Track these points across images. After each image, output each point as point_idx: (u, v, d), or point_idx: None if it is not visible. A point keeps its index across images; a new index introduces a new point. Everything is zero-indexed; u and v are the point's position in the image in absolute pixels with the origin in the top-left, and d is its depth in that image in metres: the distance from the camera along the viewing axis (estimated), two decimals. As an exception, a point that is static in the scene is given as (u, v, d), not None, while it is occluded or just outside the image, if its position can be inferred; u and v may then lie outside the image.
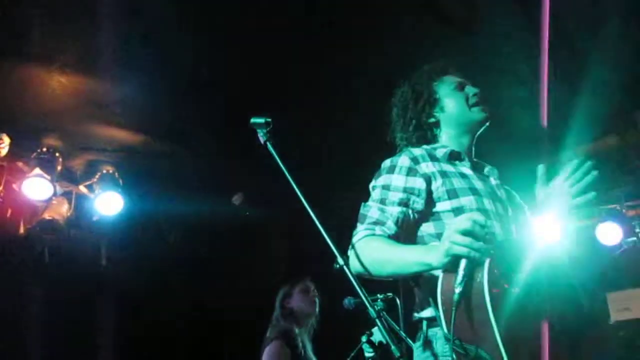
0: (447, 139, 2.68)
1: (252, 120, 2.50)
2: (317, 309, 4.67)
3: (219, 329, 6.46)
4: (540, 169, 2.48)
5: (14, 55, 4.67)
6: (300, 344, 4.40)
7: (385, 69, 4.56)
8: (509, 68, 4.99)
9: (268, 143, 2.46)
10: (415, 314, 2.42)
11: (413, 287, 2.45)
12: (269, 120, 2.49)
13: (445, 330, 2.01)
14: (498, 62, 4.86)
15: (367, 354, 3.31)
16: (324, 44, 4.71)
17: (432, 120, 2.69)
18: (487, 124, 2.69)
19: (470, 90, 2.69)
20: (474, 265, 1.96)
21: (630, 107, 5.67)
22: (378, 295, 3.44)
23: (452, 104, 2.67)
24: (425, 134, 2.70)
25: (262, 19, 4.46)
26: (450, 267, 2.02)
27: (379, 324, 2.02)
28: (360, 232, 2.36)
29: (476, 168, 2.64)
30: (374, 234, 2.33)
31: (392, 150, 2.67)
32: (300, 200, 2.29)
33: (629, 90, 5.34)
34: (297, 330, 4.50)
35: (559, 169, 2.44)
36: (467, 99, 2.67)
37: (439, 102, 2.69)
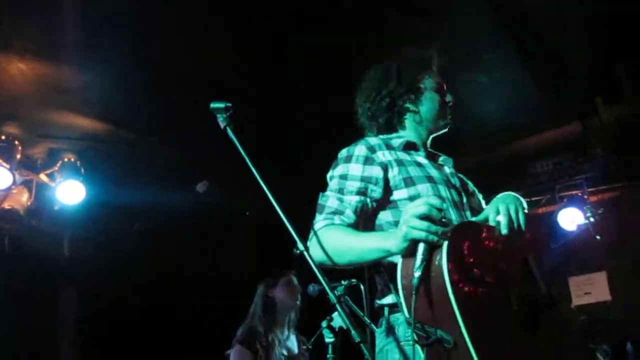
0: (409, 129, 2.70)
1: (212, 105, 2.48)
2: (298, 302, 4.70)
3: (184, 320, 6.41)
4: None
5: (-29, 41, 4.56)
6: (263, 345, 4.42)
7: (351, 56, 4.59)
8: (471, 53, 5.03)
9: (228, 128, 2.43)
10: (377, 301, 2.43)
11: (375, 274, 2.46)
12: (229, 105, 2.46)
13: (407, 315, 2.01)
14: (461, 47, 4.88)
15: (327, 339, 3.31)
16: (289, 36, 4.70)
17: (408, 106, 2.70)
18: (445, 130, 2.77)
19: (447, 97, 2.74)
20: (432, 249, 1.97)
21: (591, 94, 5.75)
22: (342, 281, 3.45)
23: (428, 101, 2.70)
24: (393, 116, 2.71)
25: (230, 6, 4.42)
26: (409, 252, 2.02)
27: (339, 308, 2.02)
28: (319, 222, 2.36)
29: (431, 157, 2.68)
30: (333, 224, 2.33)
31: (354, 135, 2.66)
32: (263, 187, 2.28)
33: (590, 77, 5.42)
34: (261, 330, 4.51)
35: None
36: (440, 104, 2.71)
37: (422, 93, 2.71)
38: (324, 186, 2.51)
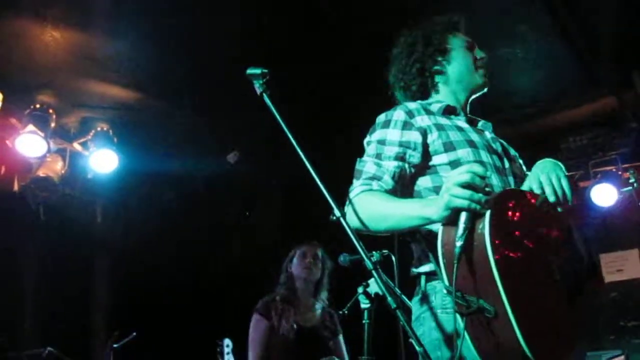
0: (445, 93, 2.65)
1: (248, 71, 2.47)
2: (312, 275, 4.73)
3: (215, 288, 6.48)
4: None
5: (5, 10, 4.59)
6: (277, 314, 4.52)
7: (382, 23, 4.52)
8: (506, 26, 4.95)
9: (264, 94, 2.43)
10: (414, 269, 2.40)
11: (410, 243, 2.44)
12: (266, 71, 2.45)
13: (447, 283, 1.98)
14: (496, 19, 4.80)
15: (362, 305, 3.32)
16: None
17: (437, 68, 2.64)
18: (485, 90, 2.70)
19: (478, 53, 2.68)
20: (474, 217, 1.94)
21: (628, 68, 5.62)
22: (373, 252, 3.45)
23: (460, 59, 2.65)
24: (426, 81, 2.66)
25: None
26: (451, 220, 1.98)
27: (375, 275, 2.02)
28: (356, 187, 2.33)
29: (471, 122, 2.62)
30: (371, 189, 2.29)
31: (390, 103, 2.63)
32: (298, 155, 2.27)
33: (627, 51, 5.30)
34: (278, 299, 4.61)
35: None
36: (474, 60, 2.66)
37: (449, 52, 2.65)
38: (359, 154, 2.48)
